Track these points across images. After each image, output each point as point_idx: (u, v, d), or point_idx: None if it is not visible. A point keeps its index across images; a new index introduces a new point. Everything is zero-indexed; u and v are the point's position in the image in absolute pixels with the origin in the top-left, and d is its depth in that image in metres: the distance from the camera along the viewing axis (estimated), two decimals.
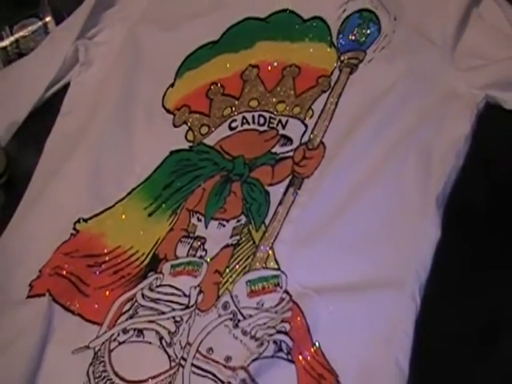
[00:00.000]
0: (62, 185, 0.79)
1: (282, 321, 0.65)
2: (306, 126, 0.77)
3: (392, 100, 0.76)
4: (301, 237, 0.70)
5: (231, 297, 0.68)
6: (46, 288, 0.71)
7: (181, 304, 0.69)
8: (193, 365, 0.65)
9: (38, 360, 0.67)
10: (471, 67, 0.77)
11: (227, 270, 0.70)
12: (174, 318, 0.68)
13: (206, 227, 0.74)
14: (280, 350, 0.64)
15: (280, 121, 0.79)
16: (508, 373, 0.63)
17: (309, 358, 0.63)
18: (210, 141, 0.80)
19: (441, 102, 0.76)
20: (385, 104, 0.76)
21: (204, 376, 0.64)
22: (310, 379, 0.62)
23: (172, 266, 0.72)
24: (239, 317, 0.67)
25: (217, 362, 0.65)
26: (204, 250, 0.72)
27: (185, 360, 0.65)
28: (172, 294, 0.70)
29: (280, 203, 0.73)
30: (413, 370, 0.62)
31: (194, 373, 0.65)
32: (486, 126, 0.75)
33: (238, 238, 0.72)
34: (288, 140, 0.77)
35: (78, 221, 0.76)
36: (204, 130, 0.81)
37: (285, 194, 0.73)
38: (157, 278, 0.71)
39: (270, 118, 0.79)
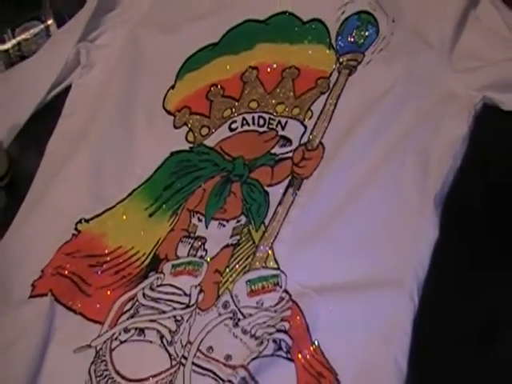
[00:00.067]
0: (63, 186, 0.79)
1: (282, 320, 0.65)
2: (305, 127, 0.78)
3: (390, 101, 0.76)
4: (300, 237, 0.71)
5: (231, 296, 0.68)
6: (48, 288, 0.71)
7: (181, 303, 0.69)
8: (193, 363, 0.65)
9: (40, 359, 0.67)
10: (469, 69, 0.78)
11: (227, 270, 0.70)
12: (174, 317, 0.68)
13: (207, 227, 0.74)
14: (280, 348, 0.64)
15: (279, 122, 0.79)
16: (506, 372, 0.63)
17: (308, 356, 0.63)
18: (210, 142, 0.80)
19: (439, 104, 0.76)
20: (383, 105, 0.76)
21: (204, 374, 0.65)
22: (309, 377, 0.63)
23: (173, 266, 0.72)
24: (239, 316, 0.67)
25: (217, 360, 0.65)
26: (204, 249, 0.72)
27: (185, 359, 0.66)
28: (173, 294, 0.70)
29: (279, 203, 0.73)
30: (411, 368, 0.62)
31: (194, 371, 0.65)
32: (483, 127, 0.75)
33: (237, 237, 0.72)
34: (287, 141, 0.77)
35: (80, 221, 0.76)
36: (204, 131, 0.81)
37: (284, 194, 0.74)
38: (158, 278, 0.71)
39: (270, 119, 0.79)
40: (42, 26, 0.92)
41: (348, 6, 0.84)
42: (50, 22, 0.92)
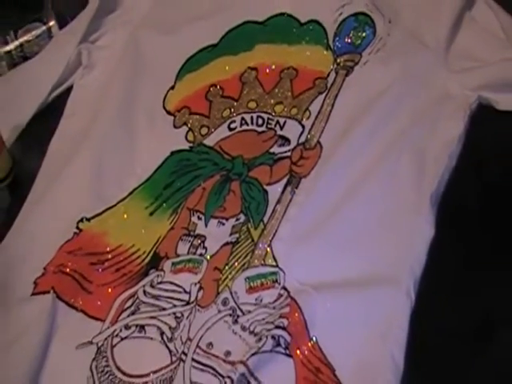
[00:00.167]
0: (65, 185, 0.79)
1: (280, 316, 0.65)
2: (303, 126, 0.78)
3: (387, 101, 0.77)
4: (298, 235, 0.71)
5: (230, 293, 0.68)
6: (50, 285, 0.71)
7: (181, 300, 0.69)
8: (193, 359, 0.65)
9: (42, 355, 0.67)
10: (464, 69, 0.78)
11: (227, 267, 0.70)
12: (174, 313, 0.68)
13: (206, 225, 0.74)
14: (278, 344, 0.64)
15: (278, 122, 0.79)
16: (501, 368, 0.63)
17: (306, 352, 0.63)
18: (209, 141, 0.80)
19: (435, 103, 0.76)
20: (380, 105, 0.77)
21: (204, 370, 0.65)
22: (307, 373, 0.63)
23: (173, 264, 0.72)
24: (238, 312, 0.67)
25: (217, 356, 0.65)
26: (204, 247, 0.72)
27: (185, 355, 0.66)
28: (173, 291, 0.70)
29: (278, 202, 0.73)
30: (408, 364, 0.62)
31: (194, 367, 0.65)
32: (478, 126, 0.76)
33: (237, 235, 0.72)
34: (286, 140, 0.78)
35: (81, 220, 0.76)
36: (204, 130, 0.81)
37: (283, 192, 0.74)
38: (158, 276, 0.71)
39: (268, 118, 0.80)
40: (43, 28, 0.92)
41: (345, 7, 0.84)
42: (51, 23, 0.92)
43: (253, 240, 0.72)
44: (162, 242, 0.74)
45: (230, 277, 0.70)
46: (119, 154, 0.81)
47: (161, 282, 0.71)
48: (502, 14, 0.80)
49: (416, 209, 0.70)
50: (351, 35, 0.82)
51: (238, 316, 0.67)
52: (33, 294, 0.71)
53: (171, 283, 0.71)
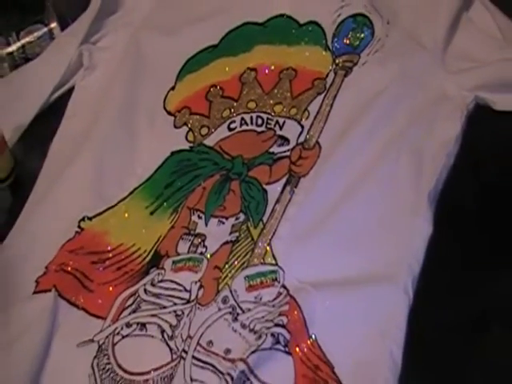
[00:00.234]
0: (66, 185, 0.79)
1: (280, 314, 0.65)
2: (303, 126, 0.78)
3: (385, 101, 0.77)
4: (297, 234, 0.71)
5: (230, 291, 0.68)
6: (52, 284, 0.71)
7: (182, 298, 0.69)
8: (193, 357, 0.65)
9: (44, 353, 0.67)
10: (461, 70, 0.78)
11: (226, 266, 0.70)
12: (175, 312, 0.68)
13: (206, 225, 0.74)
14: (278, 342, 0.64)
15: (277, 122, 0.79)
16: (497, 365, 0.63)
17: (305, 350, 0.64)
18: (209, 141, 0.80)
19: (432, 104, 0.76)
20: (378, 105, 0.77)
21: (204, 368, 0.65)
22: (306, 370, 0.63)
23: (173, 262, 0.72)
24: (238, 310, 0.67)
25: (217, 354, 0.65)
26: (204, 246, 0.72)
27: (186, 352, 0.66)
28: (173, 289, 0.70)
29: (277, 201, 0.74)
30: (406, 361, 0.62)
31: (194, 365, 0.65)
32: (475, 126, 0.76)
33: (236, 234, 0.72)
34: (285, 140, 0.78)
35: (83, 219, 0.76)
36: (204, 130, 0.81)
37: (282, 192, 0.74)
38: (159, 274, 0.71)
39: (268, 119, 0.80)
40: (45, 29, 0.92)
41: (344, 8, 0.84)
42: (53, 25, 0.92)
43: (252, 239, 0.72)
44: (163, 241, 0.74)
45: (229, 275, 0.70)
46: (120, 154, 0.81)
47: (161, 281, 0.71)
48: (499, 15, 0.80)
49: (414, 207, 0.70)
50: (350, 36, 0.82)
51: (238, 314, 0.67)
52: (35, 293, 0.71)
53: (172, 282, 0.71)
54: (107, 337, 0.68)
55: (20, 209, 0.79)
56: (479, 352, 0.64)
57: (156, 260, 0.73)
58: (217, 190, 0.76)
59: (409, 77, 0.78)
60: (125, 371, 0.66)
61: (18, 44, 0.92)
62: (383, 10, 0.83)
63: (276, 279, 0.68)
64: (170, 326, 0.68)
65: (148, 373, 0.66)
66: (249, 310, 0.67)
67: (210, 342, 0.66)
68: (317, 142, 0.76)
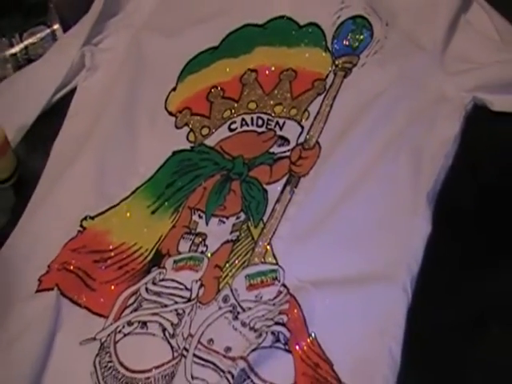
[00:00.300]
0: (68, 185, 0.79)
1: (280, 313, 0.65)
2: (303, 127, 0.78)
3: (384, 102, 0.77)
4: (297, 233, 0.71)
5: (231, 290, 0.68)
6: (55, 282, 0.71)
7: (183, 297, 0.69)
8: (194, 355, 0.65)
9: (47, 350, 0.67)
10: (460, 71, 0.78)
11: (227, 265, 0.70)
12: (176, 310, 0.68)
13: (207, 224, 0.74)
14: (278, 340, 0.64)
15: (277, 122, 0.79)
16: (495, 364, 0.63)
17: (305, 348, 0.64)
18: (210, 141, 0.80)
19: (431, 104, 0.76)
20: (377, 106, 0.77)
21: (205, 366, 0.65)
22: (306, 368, 0.63)
23: (174, 261, 0.72)
24: (239, 309, 0.67)
25: (217, 352, 0.65)
26: (205, 245, 0.72)
27: (187, 351, 0.66)
28: (174, 288, 0.70)
29: (277, 201, 0.73)
30: (404, 359, 0.62)
31: (195, 363, 0.65)
32: (474, 127, 0.76)
33: (237, 234, 0.72)
34: (285, 140, 0.78)
35: (85, 218, 0.76)
36: (205, 131, 0.81)
37: (282, 192, 0.74)
38: (160, 273, 0.71)
39: (268, 119, 0.80)
40: (48, 31, 0.92)
41: (343, 10, 0.84)
42: (56, 26, 0.92)
43: (253, 238, 0.72)
44: (164, 240, 0.74)
45: (230, 274, 0.70)
46: (122, 154, 0.81)
47: (163, 280, 0.71)
48: (497, 17, 0.80)
49: (413, 207, 0.70)
50: (349, 38, 0.82)
51: (239, 313, 0.67)
52: (37, 291, 0.71)
53: (173, 280, 0.71)
54: (109, 335, 0.68)
55: (23, 208, 0.79)
56: (478, 351, 0.63)
57: (157, 259, 0.73)
58: (217, 189, 0.76)
59: (408, 78, 0.78)
60: (126, 369, 0.66)
61: (21, 45, 0.92)
62: (382, 11, 0.83)
63: (276, 278, 0.68)
64: (171, 324, 0.68)
65: (149, 371, 0.66)
66: (249, 308, 0.67)
67: (211, 341, 0.66)
68: (317, 142, 0.76)
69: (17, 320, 0.69)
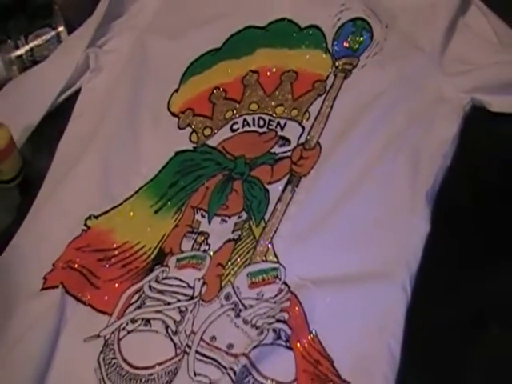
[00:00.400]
0: (73, 184, 0.79)
1: (281, 310, 0.65)
2: (303, 127, 0.78)
3: (384, 103, 0.77)
4: (298, 232, 0.71)
5: (233, 288, 0.68)
6: (59, 280, 0.71)
7: (186, 295, 0.69)
8: (197, 352, 0.65)
9: (52, 348, 0.67)
10: (458, 72, 0.78)
11: (229, 263, 0.70)
12: (179, 308, 0.68)
13: (209, 223, 0.74)
14: (279, 337, 0.64)
15: (279, 123, 0.79)
16: (493, 362, 0.63)
17: (306, 345, 0.63)
18: (212, 142, 0.80)
19: (430, 105, 0.76)
20: (377, 107, 0.76)
21: (207, 362, 0.65)
22: (307, 365, 0.63)
23: (177, 260, 0.72)
24: (240, 307, 0.67)
25: (219, 349, 0.65)
26: (207, 244, 0.72)
27: (189, 347, 0.66)
28: (177, 286, 0.70)
29: (279, 200, 0.73)
30: (403, 357, 0.62)
31: (198, 359, 0.65)
32: (472, 127, 0.76)
33: (239, 233, 0.72)
34: (286, 141, 0.78)
35: (89, 217, 0.76)
36: (207, 131, 0.81)
37: (283, 191, 0.74)
38: (163, 271, 0.71)
39: (270, 120, 0.80)
40: (53, 33, 0.92)
41: (344, 12, 0.84)
42: (60, 28, 0.92)
43: (254, 237, 0.72)
44: (167, 239, 0.74)
45: (232, 272, 0.70)
46: (125, 154, 0.81)
47: (166, 278, 0.71)
48: (494, 19, 0.80)
49: (412, 206, 0.70)
50: (349, 40, 0.82)
51: (241, 310, 0.67)
52: (42, 289, 0.71)
53: (176, 278, 0.71)
54: (113, 332, 0.68)
55: (28, 207, 0.79)
56: (477, 349, 0.63)
57: (160, 257, 0.73)
58: (220, 189, 0.76)
59: (407, 79, 0.78)
60: (130, 365, 0.66)
61: (27, 47, 0.92)
62: (382, 14, 0.83)
63: (277, 276, 0.68)
64: (174, 321, 0.68)
65: (152, 367, 0.66)
66: (251, 306, 0.67)
67: (213, 338, 0.66)
68: (317, 143, 0.76)
69: (22, 317, 0.69)
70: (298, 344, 0.64)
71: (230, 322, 0.66)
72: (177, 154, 0.80)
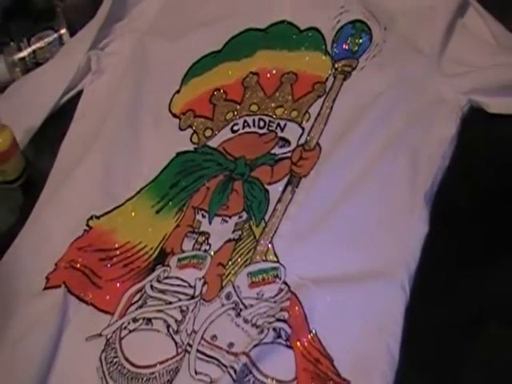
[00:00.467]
0: (75, 185, 0.79)
1: (281, 310, 0.65)
2: (303, 128, 0.78)
3: (383, 105, 0.77)
4: (298, 232, 0.71)
5: (233, 288, 0.68)
6: (62, 280, 0.71)
7: (187, 294, 0.69)
8: (198, 351, 0.65)
9: (54, 347, 0.67)
10: (457, 74, 0.78)
11: (230, 263, 0.70)
12: (180, 307, 0.68)
13: (210, 223, 0.74)
14: (279, 336, 0.64)
15: (279, 124, 0.79)
16: (492, 362, 0.63)
17: (306, 344, 0.63)
18: (213, 143, 0.80)
19: (428, 106, 0.76)
20: (376, 108, 0.76)
21: (208, 361, 0.64)
22: (307, 364, 0.63)
23: (178, 260, 0.72)
24: (241, 306, 0.67)
25: (220, 348, 0.65)
26: (208, 244, 0.72)
27: (190, 346, 0.65)
28: (178, 286, 0.70)
29: (279, 201, 0.73)
30: (402, 356, 0.62)
31: (199, 358, 0.65)
32: (470, 128, 0.75)
33: (239, 233, 0.72)
34: (286, 142, 0.78)
35: (91, 218, 0.76)
36: (208, 132, 0.81)
37: (283, 192, 0.74)
38: (164, 271, 0.71)
39: (270, 121, 0.80)
40: (55, 35, 0.92)
41: (343, 15, 0.84)
42: (63, 31, 0.92)
43: (255, 237, 0.71)
44: (168, 239, 0.74)
45: (233, 272, 0.69)
46: (127, 155, 0.81)
47: (167, 277, 0.71)
48: (492, 22, 0.80)
49: (411, 207, 0.69)
50: (348, 42, 0.82)
51: (241, 309, 0.67)
52: (45, 289, 0.71)
53: (177, 278, 0.70)
54: (115, 331, 0.68)
55: (31, 208, 0.79)
56: (476, 349, 0.63)
57: (162, 257, 0.73)
58: (220, 189, 0.76)
59: (406, 81, 0.78)
60: (131, 364, 0.66)
61: (29, 49, 0.92)
62: (381, 16, 0.83)
63: (277, 276, 0.68)
64: (176, 320, 0.68)
65: (154, 366, 0.65)
66: (251, 305, 0.67)
67: (214, 337, 0.66)
68: (317, 144, 0.76)
69: (25, 317, 0.69)
70: (298, 343, 0.63)
71: (231, 321, 0.66)
72: (178, 154, 0.80)
